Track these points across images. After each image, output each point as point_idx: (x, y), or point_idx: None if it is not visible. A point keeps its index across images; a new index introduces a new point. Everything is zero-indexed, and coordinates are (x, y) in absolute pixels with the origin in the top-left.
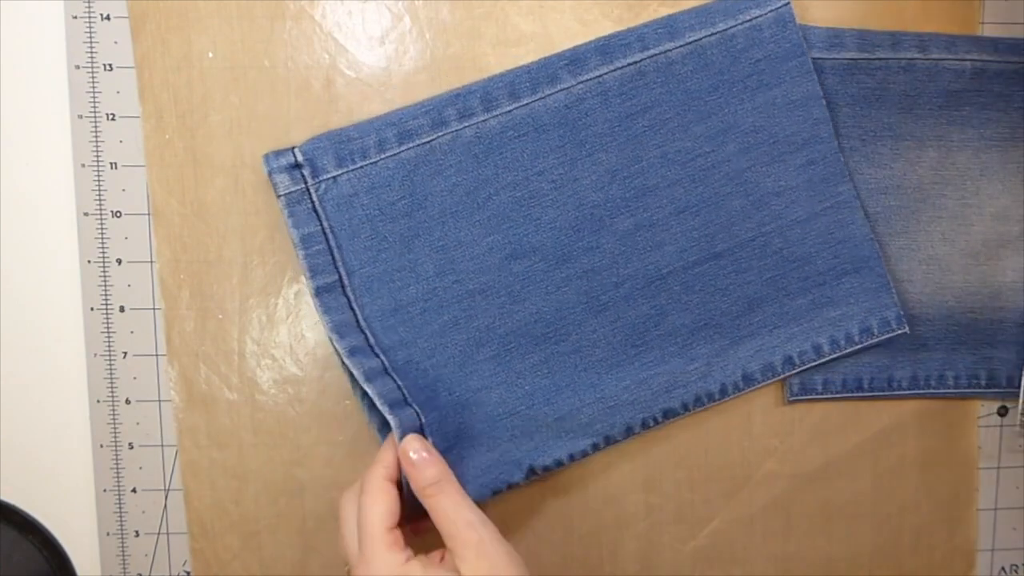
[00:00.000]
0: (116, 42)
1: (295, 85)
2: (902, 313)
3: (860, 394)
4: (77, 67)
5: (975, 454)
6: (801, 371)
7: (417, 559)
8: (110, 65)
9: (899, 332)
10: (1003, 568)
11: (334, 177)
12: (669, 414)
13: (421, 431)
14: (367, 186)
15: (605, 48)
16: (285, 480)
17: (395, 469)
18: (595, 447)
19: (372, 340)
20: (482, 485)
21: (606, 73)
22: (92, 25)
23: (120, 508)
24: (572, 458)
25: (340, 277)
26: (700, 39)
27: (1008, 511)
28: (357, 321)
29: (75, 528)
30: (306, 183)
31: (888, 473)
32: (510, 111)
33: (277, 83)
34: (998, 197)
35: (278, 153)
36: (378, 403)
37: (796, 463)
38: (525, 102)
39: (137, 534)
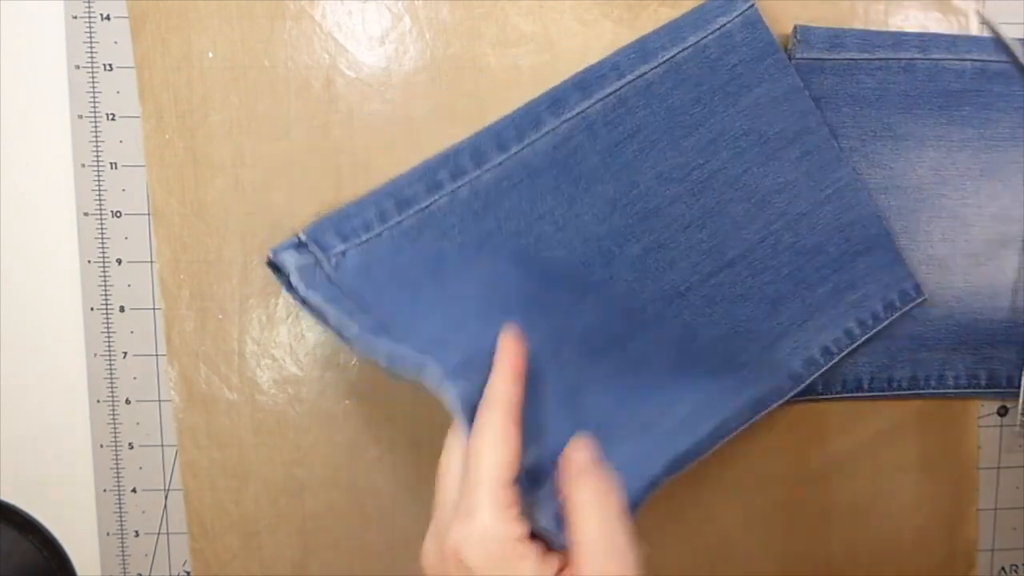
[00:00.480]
0: (116, 42)
1: (295, 85)
2: (917, 283)
3: (860, 394)
4: (77, 67)
5: (975, 454)
6: (841, 358)
7: (532, 547)
8: (110, 65)
9: (920, 301)
10: (1003, 568)
11: (342, 251)
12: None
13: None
14: (377, 257)
15: (582, 83)
16: (285, 480)
17: (517, 407)
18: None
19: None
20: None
21: (588, 108)
22: (92, 25)
23: (120, 508)
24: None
25: (378, 318)
26: (674, 56)
27: (1008, 511)
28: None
29: (75, 528)
30: (315, 257)
31: (888, 473)
32: (501, 163)
33: (277, 83)
34: (998, 197)
35: (280, 245)
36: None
37: (796, 463)
38: (514, 151)
39: (137, 534)
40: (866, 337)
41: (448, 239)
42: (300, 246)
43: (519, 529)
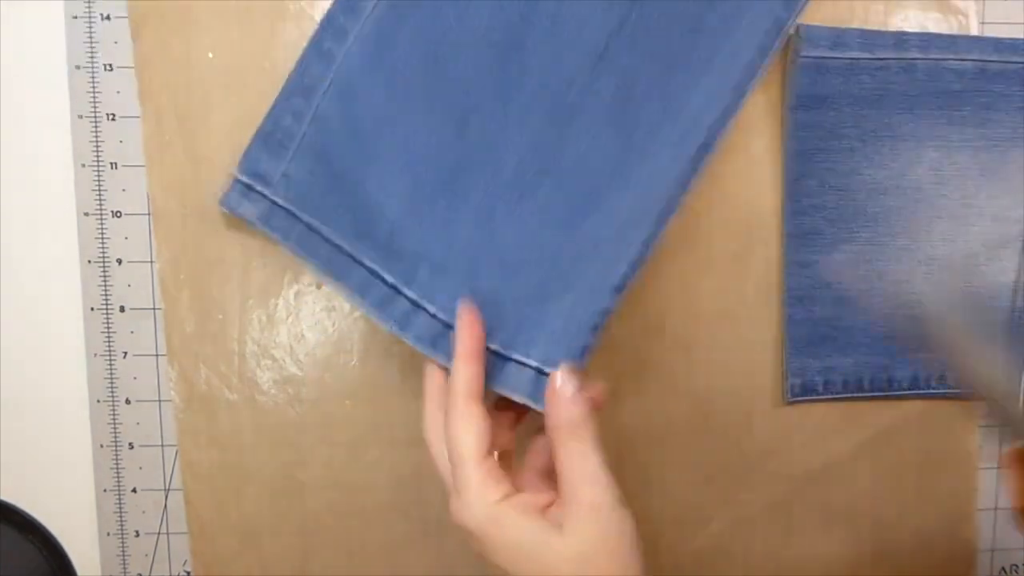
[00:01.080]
0: (116, 42)
1: None
2: None
3: (860, 394)
4: (77, 67)
5: (975, 454)
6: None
7: (516, 499)
8: (110, 65)
9: None
10: (1003, 568)
11: (283, 173)
12: (703, 148)
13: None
14: (313, 157)
15: None
16: (285, 481)
17: (477, 385)
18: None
19: (390, 278)
20: (579, 325)
21: None
22: (92, 25)
23: (120, 508)
24: (646, 245)
25: (333, 242)
26: None
27: (1008, 511)
28: (368, 269)
29: (75, 528)
30: (267, 196)
31: (888, 473)
32: (370, 17)
33: (278, 84)
34: (998, 197)
35: (225, 194)
36: (416, 344)
37: (796, 464)
38: (371, 7)
39: (137, 534)
40: (794, 17)
41: (359, 101)
42: (248, 190)
43: (500, 492)
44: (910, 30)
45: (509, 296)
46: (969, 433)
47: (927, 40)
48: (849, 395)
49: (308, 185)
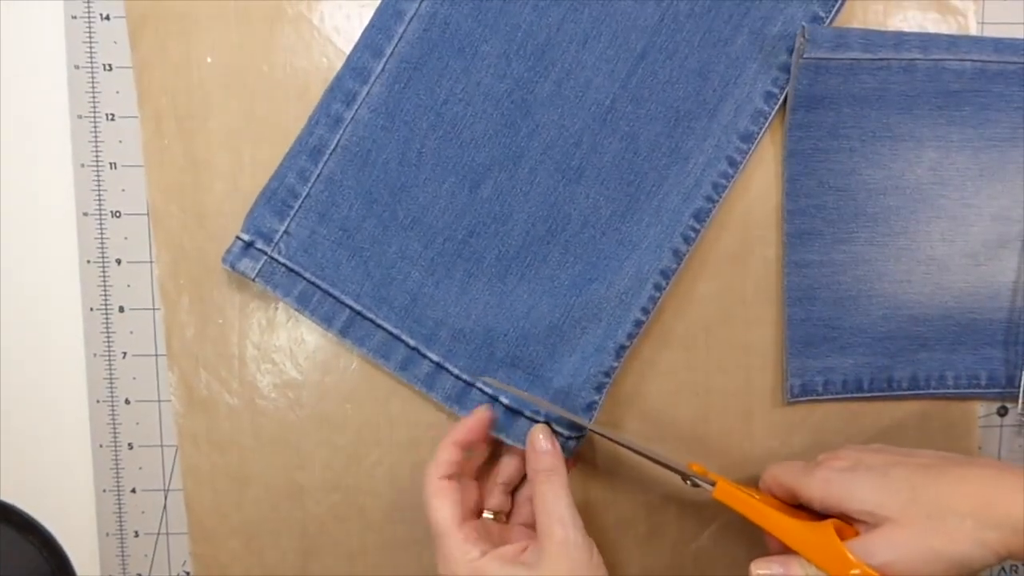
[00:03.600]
0: (116, 42)
1: (294, 89)
2: None
3: (860, 395)
4: (76, 67)
5: (975, 454)
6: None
7: (494, 554)
8: (109, 65)
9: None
10: (1003, 568)
11: (285, 231)
12: (700, 215)
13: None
14: (316, 217)
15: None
16: (286, 484)
17: (451, 467)
18: (656, 288)
19: (412, 342)
20: (584, 383)
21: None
22: (92, 25)
23: (119, 508)
24: (645, 311)
25: (351, 308)
26: None
27: None
28: (390, 333)
29: (74, 528)
30: (267, 253)
31: None
32: (383, 68)
33: (276, 87)
34: (997, 198)
35: (228, 251)
36: (444, 403)
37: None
38: (390, 51)
39: (136, 534)
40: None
41: (371, 166)
42: (248, 247)
43: (479, 550)
44: (909, 30)
45: (523, 360)
46: (969, 433)
47: (927, 40)
48: (849, 395)
49: (311, 245)
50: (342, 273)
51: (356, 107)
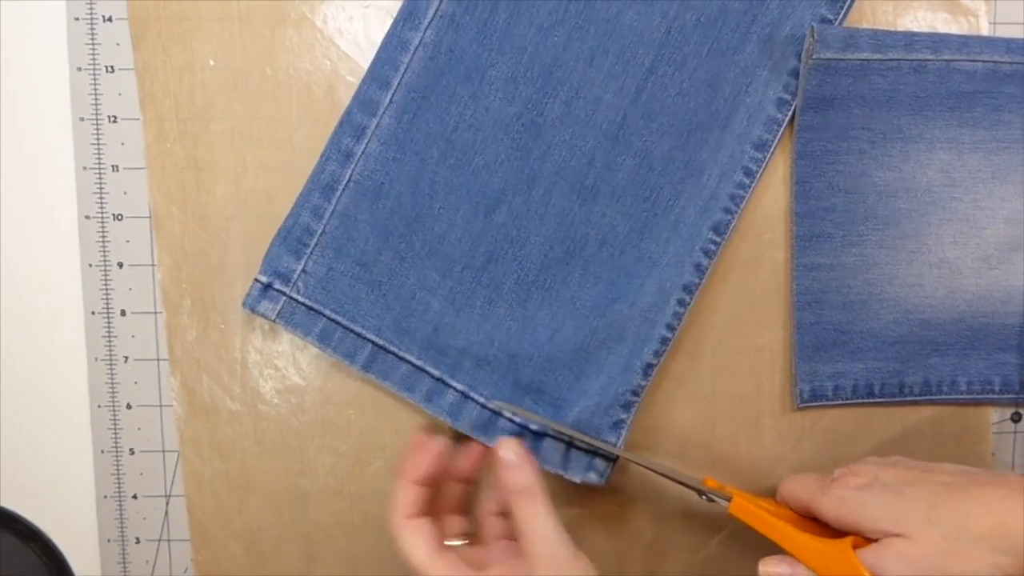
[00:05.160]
0: (118, 44)
1: (297, 92)
2: None
3: (871, 400)
4: (79, 69)
5: (989, 461)
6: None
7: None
8: (112, 67)
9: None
10: None
11: (303, 270)
12: (719, 228)
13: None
14: (332, 254)
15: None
16: (288, 490)
17: (414, 507)
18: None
19: (437, 372)
20: (612, 403)
21: (440, 4)
22: (94, 27)
23: (121, 514)
24: (670, 327)
25: (373, 342)
26: None
27: None
28: (414, 365)
29: (75, 535)
30: (285, 294)
31: None
32: (391, 99)
33: (279, 90)
34: (1010, 200)
35: (247, 295)
36: (471, 432)
37: (807, 471)
38: (396, 82)
39: (138, 540)
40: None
41: (385, 199)
42: (266, 289)
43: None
44: (919, 30)
45: (549, 384)
46: (982, 439)
47: (938, 41)
48: (860, 401)
49: (329, 281)
50: (362, 308)
51: (366, 141)
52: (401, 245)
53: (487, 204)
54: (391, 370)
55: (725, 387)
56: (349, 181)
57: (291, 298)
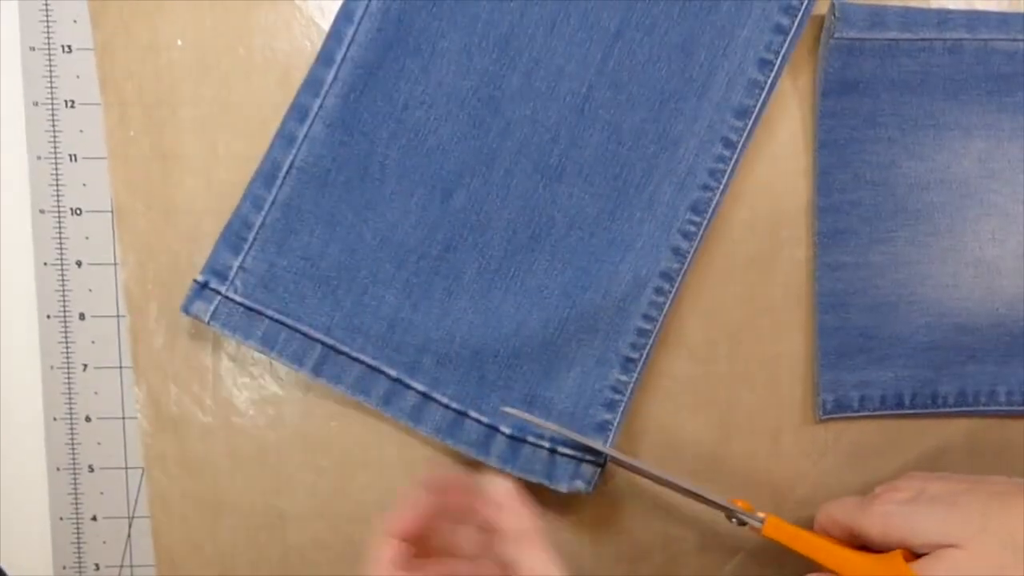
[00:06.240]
0: (75, 21)
1: (274, 75)
2: None
3: (901, 411)
4: (32, 49)
5: None
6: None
7: None
8: (68, 47)
9: None
10: None
11: (240, 266)
12: (699, 207)
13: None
14: (274, 248)
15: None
16: (265, 511)
17: (395, 563)
18: (658, 292)
19: (394, 372)
20: (590, 401)
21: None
22: (48, 3)
23: (79, 538)
24: (647, 318)
25: (323, 342)
26: None
27: None
28: (368, 365)
29: (28, 560)
30: (220, 293)
31: None
32: (336, 76)
33: (254, 73)
34: None
35: (187, 297)
36: (435, 436)
37: (830, 489)
38: (340, 58)
39: (97, 567)
40: (802, 20)
41: (331, 186)
42: (202, 288)
43: None
44: (955, 7)
45: (517, 381)
46: (1022, 456)
47: (975, 18)
48: (888, 412)
49: (271, 279)
50: (308, 306)
51: (309, 123)
52: (350, 236)
53: (443, 188)
54: (344, 372)
55: (741, 397)
56: (291, 167)
57: (227, 297)
